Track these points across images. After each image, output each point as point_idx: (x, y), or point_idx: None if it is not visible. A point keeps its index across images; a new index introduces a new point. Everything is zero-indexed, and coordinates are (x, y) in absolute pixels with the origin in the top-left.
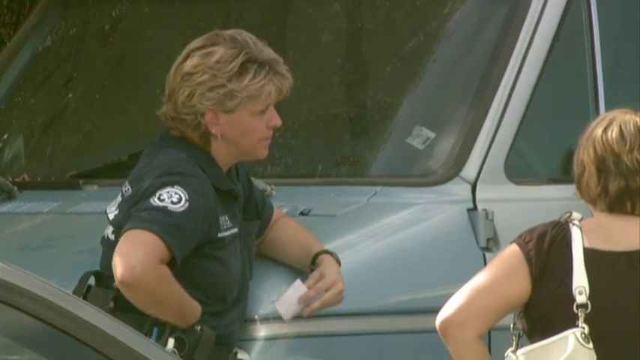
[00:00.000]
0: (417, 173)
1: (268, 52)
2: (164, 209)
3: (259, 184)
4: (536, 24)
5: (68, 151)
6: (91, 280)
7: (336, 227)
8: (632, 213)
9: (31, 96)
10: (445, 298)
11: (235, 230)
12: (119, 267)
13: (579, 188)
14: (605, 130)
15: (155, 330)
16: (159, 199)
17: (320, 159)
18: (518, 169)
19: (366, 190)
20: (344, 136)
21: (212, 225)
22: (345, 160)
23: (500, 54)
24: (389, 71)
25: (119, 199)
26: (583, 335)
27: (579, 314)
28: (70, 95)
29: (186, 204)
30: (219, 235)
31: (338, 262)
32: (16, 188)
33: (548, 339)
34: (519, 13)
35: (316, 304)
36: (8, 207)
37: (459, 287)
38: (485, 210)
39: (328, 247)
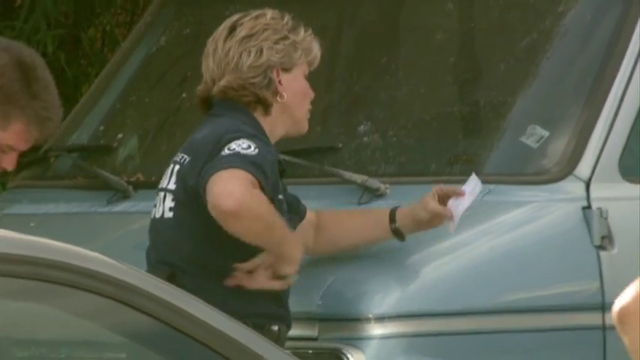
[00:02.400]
0: (530, 172)
1: None
2: (237, 153)
3: (373, 182)
4: None
5: None
6: None
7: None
8: None
9: (145, 96)
10: (559, 297)
11: (284, 203)
12: (219, 202)
13: None
14: None
15: None
16: (229, 149)
17: (433, 157)
18: (632, 168)
19: None
20: (457, 135)
21: (277, 184)
22: (458, 158)
23: (614, 52)
24: (502, 69)
25: (175, 168)
26: None
27: None
28: (184, 95)
29: (257, 149)
30: (280, 197)
31: None
32: (130, 188)
33: None
34: (633, 11)
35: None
36: (123, 206)
37: (573, 286)
38: (599, 208)
39: (442, 245)
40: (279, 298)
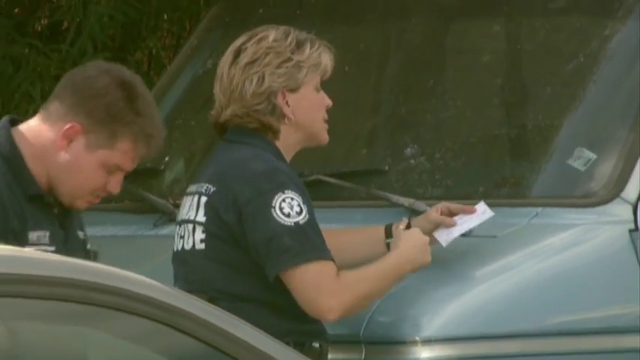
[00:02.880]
0: (578, 194)
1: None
2: (297, 227)
3: (420, 205)
4: None
5: None
6: None
7: (498, 248)
8: None
9: (191, 118)
10: (607, 320)
11: None
12: (324, 316)
13: None
14: None
15: None
16: (283, 213)
17: (481, 180)
18: None
19: (527, 212)
20: (504, 158)
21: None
22: (505, 181)
23: None
24: (549, 92)
25: (201, 200)
26: None
27: None
28: None
29: (305, 207)
30: None
31: None
32: (177, 211)
33: None
34: None
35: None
36: (169, 229)
37: (620, 308)
38: None
39: (490, 268)
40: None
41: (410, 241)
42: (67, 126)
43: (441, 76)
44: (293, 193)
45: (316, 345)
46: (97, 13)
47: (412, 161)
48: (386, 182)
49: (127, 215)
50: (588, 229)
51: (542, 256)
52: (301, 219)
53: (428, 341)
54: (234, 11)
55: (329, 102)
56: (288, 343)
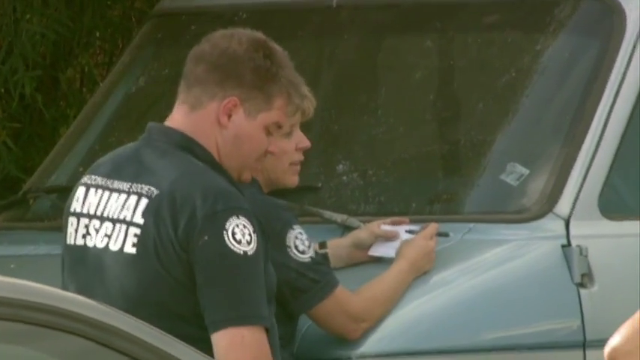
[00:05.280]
0: (510, 210)
1: None
2: (315, 262)
3: (353, 221)
4: (628, 60)
5: None
6: None
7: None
8: None
9: (124, 136)
10: (540, 335)
11: None
12: (351, 337)
13: None
14: None
15: None
16: (299, 251)
17: (413, 196)
18: (611, 205)
19: (459, 227)
20: (437, 174)
21: None
22: (438, 197)
23: (592, 89)
24: (481, 108)
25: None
26: None
27: None
28: None
29: (309, 242)
30: None
31: None
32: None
33: None
34: (611, 49)
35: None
36: None
37: (553, 323)
38: (579, 246)
39: (423, 284)
40: None
41: (415, 250)
42: (224, 102)
43: (373, 93)
44: (300, 227)
45: None
46: (28, 31)
47: (345, 178)
48: (319, 199)
49: (61, 233)
50: (521, 245)
51: (475, 271)
52: (312, 252)
53: (362, 357)
54: (166, 28)
55: (305, 144)
56: None
